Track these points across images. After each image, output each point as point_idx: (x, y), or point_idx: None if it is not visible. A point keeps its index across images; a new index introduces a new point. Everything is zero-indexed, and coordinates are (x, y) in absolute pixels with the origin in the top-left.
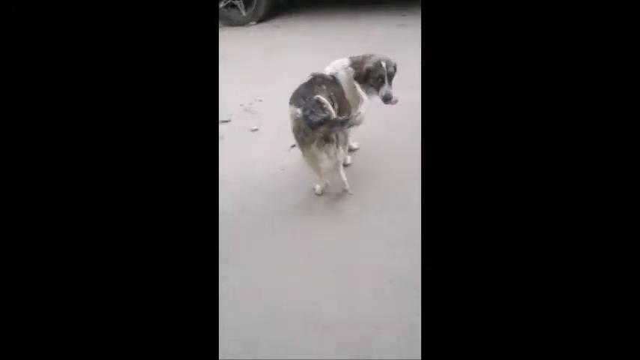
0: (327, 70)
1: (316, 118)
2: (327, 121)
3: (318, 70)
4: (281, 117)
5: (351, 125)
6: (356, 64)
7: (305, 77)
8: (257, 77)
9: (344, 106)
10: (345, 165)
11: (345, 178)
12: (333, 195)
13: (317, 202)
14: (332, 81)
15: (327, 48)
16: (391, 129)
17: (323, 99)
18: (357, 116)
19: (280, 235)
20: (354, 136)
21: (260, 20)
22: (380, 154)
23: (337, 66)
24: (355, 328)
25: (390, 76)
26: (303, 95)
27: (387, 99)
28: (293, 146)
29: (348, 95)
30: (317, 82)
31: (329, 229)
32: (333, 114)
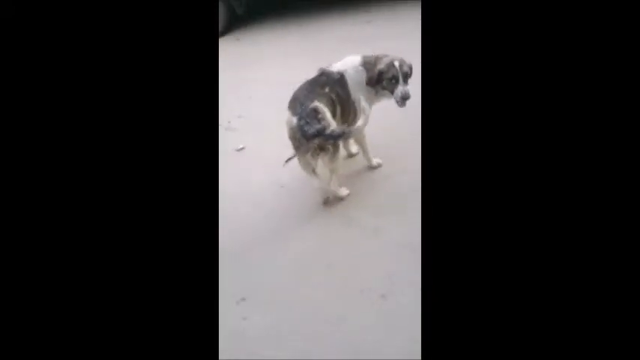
0: (336, 67)
1: (311, 130)
2: (321, 134)
3: (325, 67)
4: (267, 131)
5: (347, 138)
6: (368, 64)
7: (293, 85)
8: (229, 94)
9: (348, 108)
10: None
11: (336, 188)
12: (341, 204)
13: (327, 213)
14: (338, 80)
15: (295, 56)
16: (394, 129)
17: (321, 107)
18: (354, 129)
19: (296, 251)
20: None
21: (219, 34)
22: (389, 155)
23: (347, 63)
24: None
25: (406, 76)
26: (301, 101)
27: (404, 98)
28: (288, 160)
29: (354, 97)
30: (320, 82)
31: (344, 238)
32: (331, 124)
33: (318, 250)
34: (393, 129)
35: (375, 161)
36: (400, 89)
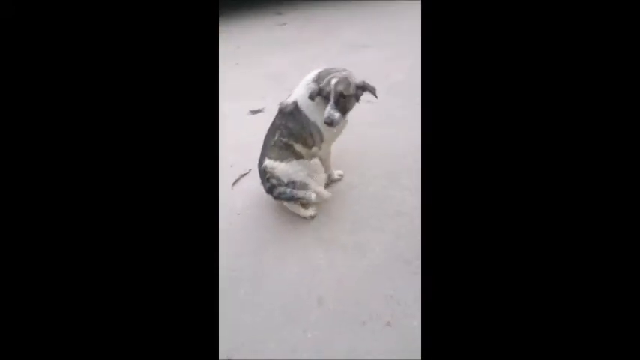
0: (295, 92)
1: (265, 188)
2: (271, 194)
3: (285, 98)
4: None
5: (299, 199)
6: (319, 79)
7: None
8: None
9: (305, 136)
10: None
11: (303, 214)
12: (312, 225)
13: (299, 238)
14: (290, 113)
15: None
16: (344, 138)
17: (269, 165)
18: (306, 194)
19: (278, 289)
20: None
21: None
22: (348, 164)
23: (302, 84)
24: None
25: (339, 96)
26: (260, 160)
27: (327, 123)
28: (236, 182)
29: (312, 118)
30: (274, 127)
31: (327, 263)
32: (281, 180)
33: (303, 282)
34: (343, 138)
35: (337, 173)
36: (326, 110)
